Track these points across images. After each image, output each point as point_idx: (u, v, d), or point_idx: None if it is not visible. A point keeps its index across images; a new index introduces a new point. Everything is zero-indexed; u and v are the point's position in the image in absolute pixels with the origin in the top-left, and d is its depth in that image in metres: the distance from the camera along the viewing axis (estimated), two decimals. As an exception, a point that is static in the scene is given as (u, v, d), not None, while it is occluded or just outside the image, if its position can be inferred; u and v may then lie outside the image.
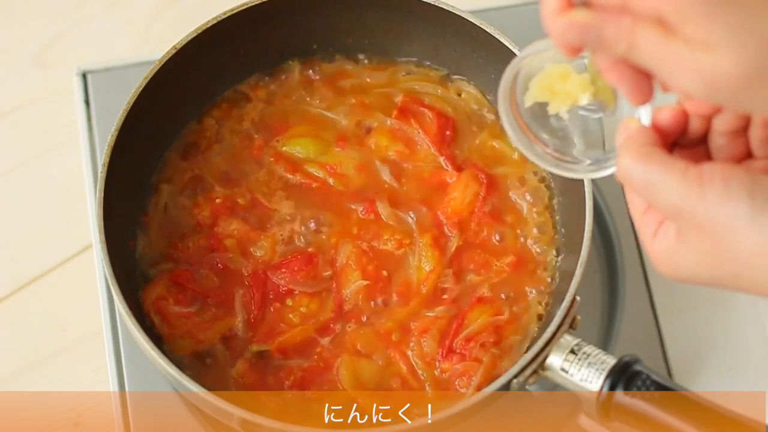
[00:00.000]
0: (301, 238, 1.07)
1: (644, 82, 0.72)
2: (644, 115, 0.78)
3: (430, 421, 0.93)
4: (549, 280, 1.05)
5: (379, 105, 1.12)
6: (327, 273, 1.05)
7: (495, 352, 1.01)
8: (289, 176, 1.09)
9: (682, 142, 0.78)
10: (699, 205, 0.72)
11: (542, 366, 0.95)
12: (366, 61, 1.15)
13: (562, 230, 1.07)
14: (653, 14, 0.67)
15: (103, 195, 1.00)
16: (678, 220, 0.74)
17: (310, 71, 1.14)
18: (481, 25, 1.05)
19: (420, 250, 1.05)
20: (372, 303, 1.04)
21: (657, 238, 0.77)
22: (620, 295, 1.14)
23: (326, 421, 1.00)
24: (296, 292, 1.04)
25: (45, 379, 1.15)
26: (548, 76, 0.79)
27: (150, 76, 1.04)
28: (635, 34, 0.68)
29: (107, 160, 1.01)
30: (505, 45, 1.05)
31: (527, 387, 0.96)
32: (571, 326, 0.96)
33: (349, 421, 1.00)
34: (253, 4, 1.07)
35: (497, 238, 1.07)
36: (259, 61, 1.13)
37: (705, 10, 0.66)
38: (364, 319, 1.04)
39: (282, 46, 1.13)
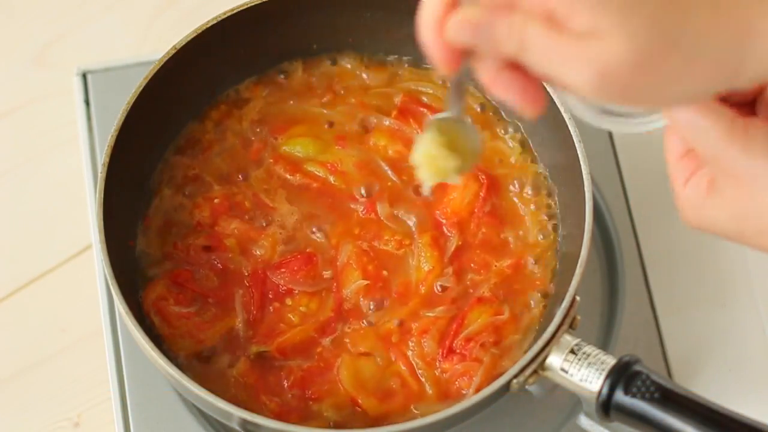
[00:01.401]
0: (302, 237, 1.07)
1: (534, 89, 0.69)
2: None
3: (430, 421, 0.93)
4: (549, 279, 1.06)
5: (379, 105, 1.12)
6: (327, 273, 1.05)
7: (495, 352, 1.01)
8: (288, 177, 1.09)
9: (731, 99, 0.78)
10: (741, 155, 0.73)
11: (542, 366, 0.95)
12: (366, 62, 1.15)
13: (562, 230, 1.07)
14: (542, 10, 0.66)
15: (103, 195, 1.00)
16: (716, 168, 0.75)
17: (310, 71, 1.14)
18: (481, 25, 1.05)
19: (419, 250, 1.05)
20: (372, 303, 1.04)
21: (689, 185, 0.77)
22: (620, 295, 1.14)
23: (326, 421, 1.00)
24: (296, 292, 1.04)
25: (45, 379, 1.15)
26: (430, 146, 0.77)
27: (150, 76, 1.04)
28: (526, 31, 0.66)
29: (107, 160, 1.01)
30: (505, 45, 1.04)
31: (527, 387, 0.96)
32: (571, 326, 0.96)
33: (349, 422, 1.00)
34: (253, 4, 1.07)
35: (497, 238, 1.07)
36: (259, 61, 1.13)
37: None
38: (363, 319, 1.04)
39: (282, 46, 1.13)
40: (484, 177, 1.08)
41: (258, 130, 1.12)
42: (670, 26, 0.65)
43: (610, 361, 0.92)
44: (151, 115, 1.06)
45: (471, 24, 0.67)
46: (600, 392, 0.91)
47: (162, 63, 1.05)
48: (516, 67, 0.68)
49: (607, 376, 0.91)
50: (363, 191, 1.08)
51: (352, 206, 1.08)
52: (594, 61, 0.65)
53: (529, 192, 1.09)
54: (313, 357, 1.02)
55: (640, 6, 0.65)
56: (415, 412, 1.00)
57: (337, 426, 1.00)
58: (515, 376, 0.94)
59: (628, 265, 1.15)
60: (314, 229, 1.07)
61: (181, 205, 1.08)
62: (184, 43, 1.06)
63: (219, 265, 1.05)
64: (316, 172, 1.09)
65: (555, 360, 0.94)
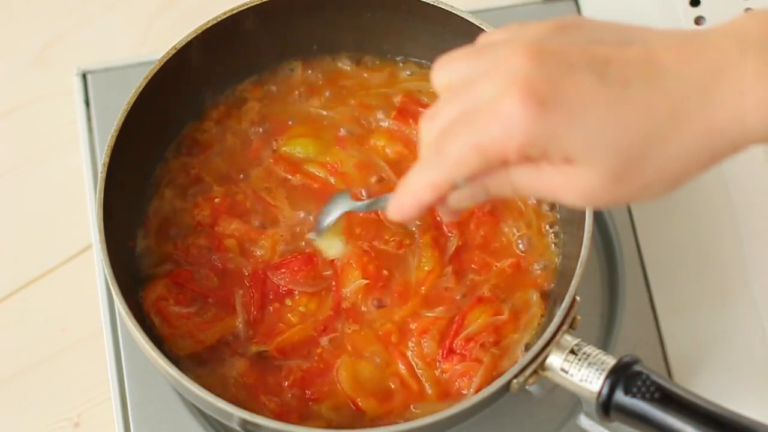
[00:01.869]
0: (302, 237, 1.07)
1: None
2: None
3: (430, 422, 0.93)
4: (549, 280, 1.05)
5: (379, 105, 1.12)
6: (327, 272, 1.05)
7: (495, 352, 1.01)
8: (289, 177, 1.09)
9: None
10: None
11: (542, 366, 0.95)
12: (366, 62, 1.15)
13: (562, 230, 1.07)
14: (520, 157, 0.72)
15: (103, 195, 1.00)
16: None
17: (310, 71, 1.14)
18: (481, 25, 1.05)
19: (420, 250, 1.05)
20: (371, 303, 1.04)
21: None
22: (620, 295, 1.14)
23: (326, 421, 1.00)
24: (296, 292, 1.04)
25: (45, 379, 1.15)
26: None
27: (150, 76, 1.04)
28: (511, 179, 0.75)
29: (107, 160, 1.01)
30: (505, 45, 1.04)
31: (527, 387, 0.96)
32: (571, 326, 0.96)
33: (349, 422, 1.00)
34: (253, 4, 1.07)
35: (497, 238, 1.07)
36: (259, 61, 1.13)
37: (558, 135, 0.71)
38: (363, 320, 1.04)
39: (282, 46, 1.13)
40: (484, 177, 1.08)
41: (258, 130, 1.12)
42: (633, 148, 0.71)
43: (610, 361, 0.92)
44: (151, 115, 1.06)
45: (470, 195, 0.78)
46: (600, 392, 0.91)
47: (162, 63, 1.05)
48: None
49: (608, 377, 0.91)
50: (364, 193, 1.08)
51: (353, 205, 1.08)
52: (576, 186, 0.73)
53: (529, 192, 1.09)
54: (313, 357, 1.02)
55: (601, 134, 0.71)
56: (415, 412, 1.00)
57: (336, 426, 1.00)
58: (515, 377, 0.94)
59: (628, 265, 1.15)
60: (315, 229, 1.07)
61: (181, 205, 1.08)
62: (184, 43, 1.06)
63: (219, 265, 1.05)
64: (317, 173, 1.09)
65: (555, 360, 0.94)
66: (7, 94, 1.27)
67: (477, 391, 0.97)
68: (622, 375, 0.91)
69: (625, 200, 0.74)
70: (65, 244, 1.19)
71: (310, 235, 1.05)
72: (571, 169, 0.72)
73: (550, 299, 1.04)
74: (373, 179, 1.08)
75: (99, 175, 1.00)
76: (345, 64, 1.15)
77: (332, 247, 1.05)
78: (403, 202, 0.79)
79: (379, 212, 1.07)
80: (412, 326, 1.03)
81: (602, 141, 0.71)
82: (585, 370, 0.93)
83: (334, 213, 1.04)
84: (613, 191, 0.73)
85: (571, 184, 0.73)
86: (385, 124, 1.11)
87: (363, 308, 1.04)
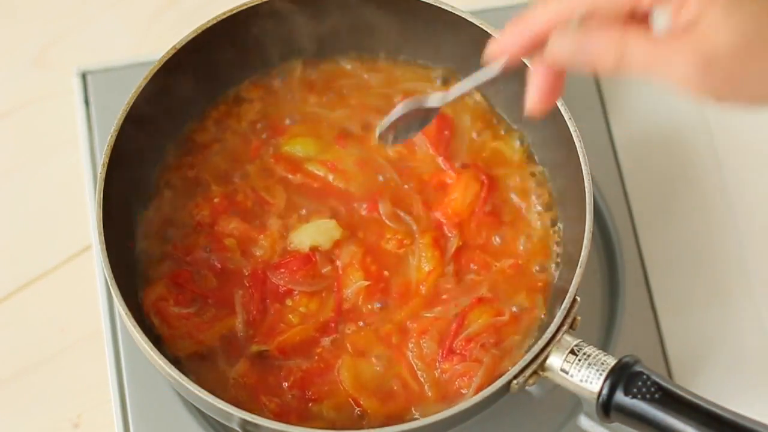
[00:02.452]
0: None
1: (555, 94, 0.79)
2: None
3: (430, 422, 0.93)
4: (549, 280, 1.05)
5: (379, 105, 1.12)
6: (326, 269, 1.05)
7: (495, 352, 1.01)
8: (290, 176, 1.09)
9: None
10: None
11: (542, 367, 0.95)
12: (366, 62, 1.15)
13: (562, 230, 1.07)
14: (647, 9, 0.71)
15: (102, 195, 1.00)
16: None
17: (310, 71, 1.14)
18: (481, 25, 1.05)
19: (420, 250, 1.05)
20: (372, 303, 1.04)
21: None
22: (620, 295, 1.14)
23: (326, 422, 1.00)
24: (296, 292, 1.04)
25: (45, 379, 1.15)
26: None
27: (150, 76, 1.04)
28: (626, 41, 0.72)
29: (107, 160, 1.01)
30: (505, 45, 1.04)
31: (527, 388, 0.96)
32: (572, 327, 0.96)
33: (348, 422, 1.00)
34: (253, 4, 1.07)
35: (497, 238, 1.07)
36: (259, 61, 1.13)
37: None
38: (363, 320, 1.03)
39: (282, 46, 1.13)
40: (484, 177, 1.08)
41: (258, 129, 1.12)
42: (761, 36, 0.71)
43: (611, 361, 0.92)
44: (151, 115, 1.05)
45: (575, 41, 0.74)
46: (600, 393, 0.91)
47: (162, 63, 1.05)
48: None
49: (608, 377, 0.91)
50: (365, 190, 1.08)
51: (354, 205, 1.08)
52: (699, 50, 0.71)
53: (529, 192, 1.09)
54: (313, 357, 1.02)
55: (743, 2, 0.70)
56: (416, 413, 1.00)
57: (336, 427, 1.00)
58: (515, 377, 0.94)
59: (628, 265, 1.15)
60: (315, 229, 1.07)
61: (180, 205, 1.08)
62: (184, 43, 1.06)
63: (218, 265, 1.05)
64: (317, 172, 1.09)
65: (555, 361, 0.94)
66: (7, 94, 1.26)
67: (477, 391, 0.97)
68: (623, 375, 0.91)
69: (736, 83, 0.72)
70: (65, 244, 1.19)
71: (378, 129, 0.97)
72: (699, 29, 0.71)
73: (551, 299, 1.04)
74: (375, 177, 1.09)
75: (99, 175, 1.00)
76: (345, 64, 1.15)
77: (302, 242, 1.05)
78: (510, 34, 0.77)
79: (381, 212, 1.07)
80: (413, 327, 1.03)
81: (745, 4, 0.71)
82: (585, 370, 0.93)
83: (399, 111, 0.96)
84: (732, 62, 0.71)
85: (691, 46, 0.71)
86: (387, 122, 1.11)
87: (364, 309, 1.04)
